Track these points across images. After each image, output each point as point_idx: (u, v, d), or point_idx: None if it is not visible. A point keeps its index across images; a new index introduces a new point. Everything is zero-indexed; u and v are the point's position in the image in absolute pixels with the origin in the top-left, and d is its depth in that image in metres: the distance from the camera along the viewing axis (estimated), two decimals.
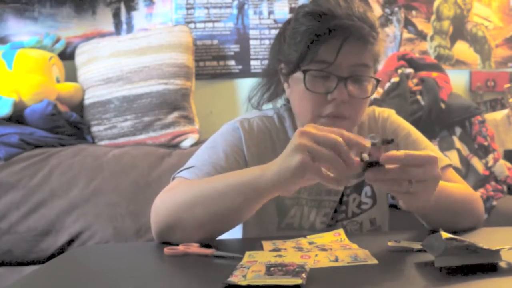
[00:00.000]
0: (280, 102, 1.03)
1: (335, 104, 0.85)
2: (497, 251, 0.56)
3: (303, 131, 0.65)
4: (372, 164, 0.66)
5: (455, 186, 0.89)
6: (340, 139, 0.63)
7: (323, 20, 0.84)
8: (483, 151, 1.85)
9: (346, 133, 0.65)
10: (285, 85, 0.94)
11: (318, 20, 0.85)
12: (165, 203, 0.80)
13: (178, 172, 0.87)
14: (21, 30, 2.16)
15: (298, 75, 0.88)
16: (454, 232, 0.60)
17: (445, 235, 0.57)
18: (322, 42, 0.84)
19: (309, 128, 0.65)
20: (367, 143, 0.65)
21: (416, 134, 1.03)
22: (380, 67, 0.97)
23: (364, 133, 0.98)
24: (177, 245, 0.72)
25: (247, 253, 0.67)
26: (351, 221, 0.97)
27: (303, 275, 0.55)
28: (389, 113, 1.05)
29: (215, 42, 2.23)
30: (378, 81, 0.90)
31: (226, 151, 0.89)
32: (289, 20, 0.93)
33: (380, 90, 1.90)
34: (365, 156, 0.66)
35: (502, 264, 0.57)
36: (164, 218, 0.78)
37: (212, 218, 0.75)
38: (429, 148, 0.99)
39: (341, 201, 0.98)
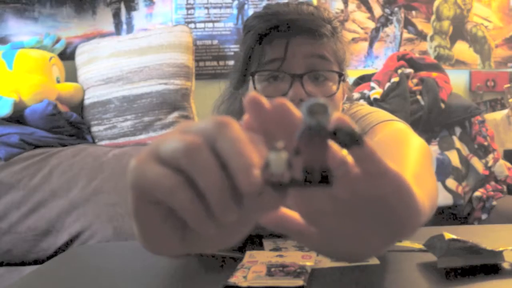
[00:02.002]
0: None
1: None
2: (500, 252, 0.56)
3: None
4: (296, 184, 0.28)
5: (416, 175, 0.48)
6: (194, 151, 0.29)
7: (269, 20, 0.77)
8: (483, 151, 1.85)
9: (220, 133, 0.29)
10: (243, 98, 0.82)
11: (263, 20, 0.78)
12: None
13: None
14: (21, 30, 2.17)
15: (250, 83, 0.78)
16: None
17: (448, 235, 0.56)
18: (269, 42, 0.76)
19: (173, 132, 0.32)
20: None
21: (368, 109, 0.84)
22: (347, 66, 0.84)
23: None
24: None
25: (248, 252, 0.67)
26: None
27: (305, 276, 0.55)
28: (352, 106, 0.87)
29: (215, 42, 2.23)
30: (341, 75, 0.77)
31: None
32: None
33: (380, 90, 1.90)
34: (276, 159, 0.28)
35: (505, 265, 0.57)
36: None
37: None
38: (376, 113, 0.80)
39: None
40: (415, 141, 0.61)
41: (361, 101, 1.89)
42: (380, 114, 0.80)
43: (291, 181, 0.28)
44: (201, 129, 0.30)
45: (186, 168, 0.29)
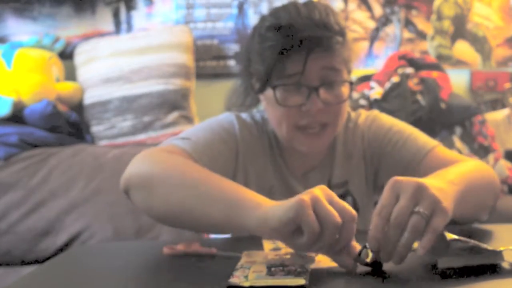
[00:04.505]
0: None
1: (311, 114, 0.85)
2: (501, 252, 0.56)
3: (313, 195, 0.57)
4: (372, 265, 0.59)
5: (467, 170, 0.78)
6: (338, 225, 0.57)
7: (285, 34, 0.84)
8: (484, 151, 1.85)
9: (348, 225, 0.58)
10: (261, 97, 0.93)
11: (280, 34, 0.84)
12: (147, 166, 0.77)
13: (172, 140, 0.86)
14: (21, 29, 2.16)
15: (269, 91, 0.87)
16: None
17: (449, 236, 0.56)
18: (287, 57, 0.84)
19: (319, 192, 0.58)
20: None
21: (399, 127, 0.96)
22: (352, 66, 0.93)
23: (338, 144, 0.96)
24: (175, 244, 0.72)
25: (245, 252, 0.66)
26: None
27: (305, 275, 0.54)
28: (374, 117, 0.98)
29: (215, 42, 2.23)
30: (351, 83, 0.89)
31: (220, 134, 0.89)
32: (254, 33, 0.92)
33: (380, 90, 1.90)
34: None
35: (505, 265, 0.57)
36: (138, 178, 0.76)
37: (183, 215, 0.71)
38: (414, 135, 0.94)
39: None
40: (467, 161, 0.85)
41: (362, 101, 1.89)
42: (413, 137, 0.93)
43: (365, 263, 0.58)
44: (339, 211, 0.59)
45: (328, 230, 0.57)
